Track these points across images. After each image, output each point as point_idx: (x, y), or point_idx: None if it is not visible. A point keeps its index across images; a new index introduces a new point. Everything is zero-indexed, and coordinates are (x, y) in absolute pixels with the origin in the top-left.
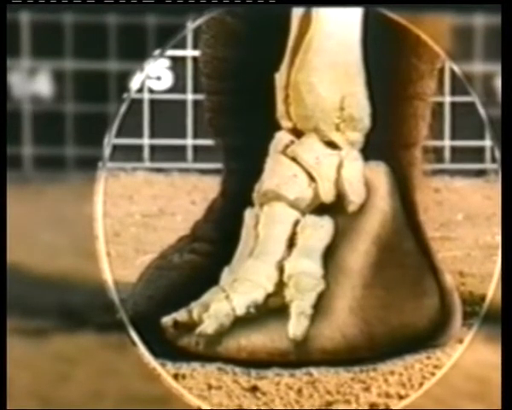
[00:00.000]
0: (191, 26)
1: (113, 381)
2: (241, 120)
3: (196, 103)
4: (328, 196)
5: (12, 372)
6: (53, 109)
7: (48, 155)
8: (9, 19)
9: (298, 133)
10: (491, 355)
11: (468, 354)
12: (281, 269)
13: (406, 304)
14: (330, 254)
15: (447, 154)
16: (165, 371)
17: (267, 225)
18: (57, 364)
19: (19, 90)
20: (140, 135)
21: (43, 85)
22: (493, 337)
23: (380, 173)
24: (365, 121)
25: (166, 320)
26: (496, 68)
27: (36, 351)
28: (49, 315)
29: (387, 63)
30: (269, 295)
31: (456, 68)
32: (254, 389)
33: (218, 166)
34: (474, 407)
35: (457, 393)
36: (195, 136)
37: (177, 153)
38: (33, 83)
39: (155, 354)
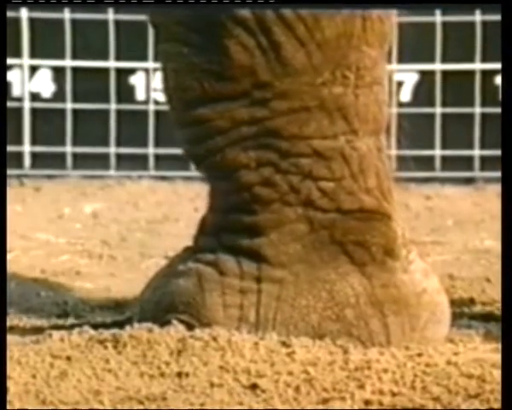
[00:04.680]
0: None
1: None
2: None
3: None
4: None
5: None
6: (53, 107)
7: (47, 153)
8: (9, 17)
9: None
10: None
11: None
12: None
13: None
14: None
15: (438, 162)
16: (168, 369)
17: None
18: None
19: (19, 88)
20: (145, 144)
21: (43, 84)
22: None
23: None
24: None
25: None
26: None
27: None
28: (46, 313)
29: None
30: None
31: None
32: (254, 386)
33: None
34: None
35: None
36: None
37: (181, 162)
38: (33, 81)
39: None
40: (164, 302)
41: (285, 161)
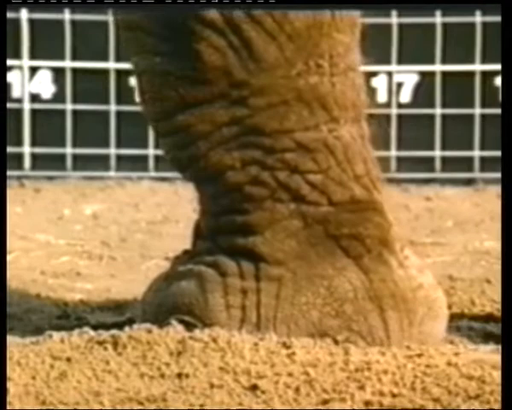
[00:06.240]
0: None
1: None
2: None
3: None
4: None
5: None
6: (53, 108)
7: (47, 154)
8: (9, 18)
9: None
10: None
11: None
12: None
13: None
14: None
15: (438, 163)
16: (168, 370)
17: None
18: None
19: (19, 89)
20: (145, 146)
21: (42, 85)
22: None
23: None
24: None
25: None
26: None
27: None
28: (46, 314)
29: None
30: None
31: None
32: (254, 387)
33: None
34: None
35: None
36: None
37: None
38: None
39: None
40: (166, 304)
41: (270, 158)
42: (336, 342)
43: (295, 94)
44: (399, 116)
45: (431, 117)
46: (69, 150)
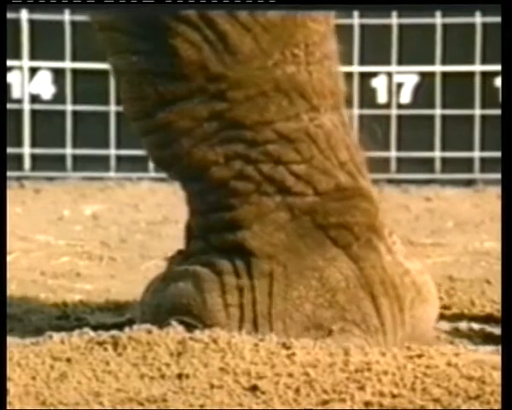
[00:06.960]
0: None
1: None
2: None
3: None
4: None
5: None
6: (53, 109)
7: (47, 155)
8: (9, 19)
9: None
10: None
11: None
12: None
13: None
14: None
15: (438, 164)
16: (168, 371)
17: None
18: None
19: (19, 90)
20: None
21: (42, 85)
22: None
23: None
24: None
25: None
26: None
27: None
28: (46, 315)
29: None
30: None
31: None
32: (254, 388)
33: None
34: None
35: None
36: None
37: None
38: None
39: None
40: (164, 305)
41: (253, 151)
42: (331, 332)
43: (273, 85)
44: (399, 117)
45: (431, 118)
46: (69, 151)
